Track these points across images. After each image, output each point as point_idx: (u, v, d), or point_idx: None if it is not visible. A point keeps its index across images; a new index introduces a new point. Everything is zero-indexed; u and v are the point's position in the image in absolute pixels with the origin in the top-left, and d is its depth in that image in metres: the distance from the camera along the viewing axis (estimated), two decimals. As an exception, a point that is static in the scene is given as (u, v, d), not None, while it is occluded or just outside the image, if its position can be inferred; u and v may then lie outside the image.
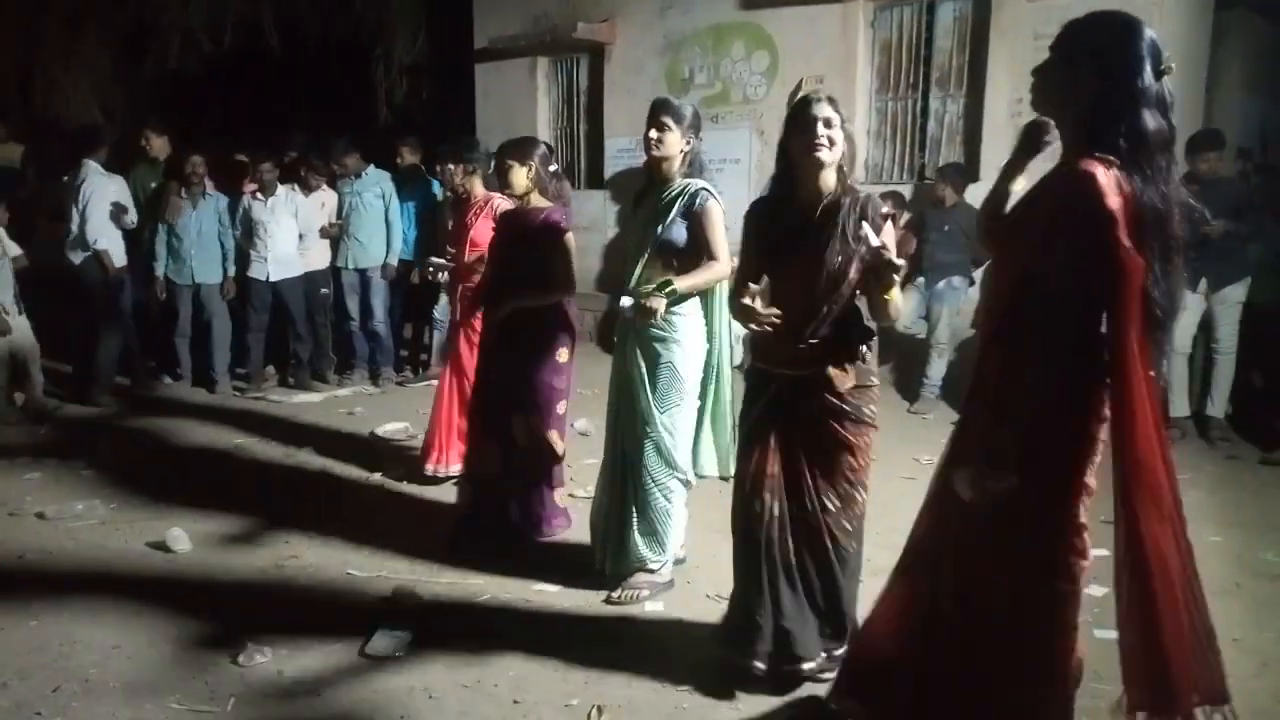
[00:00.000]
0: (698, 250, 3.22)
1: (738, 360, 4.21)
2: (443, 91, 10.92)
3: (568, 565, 3.59)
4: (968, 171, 6.53)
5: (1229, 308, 5.40)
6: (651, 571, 3.35)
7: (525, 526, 3.79)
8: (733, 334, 3.54)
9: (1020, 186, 2.21)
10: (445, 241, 5.36)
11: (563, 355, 3.75)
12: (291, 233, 6.62)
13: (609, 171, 8.52)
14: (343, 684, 2.83)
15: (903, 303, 2.59)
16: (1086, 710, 2.30)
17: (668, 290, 3.07)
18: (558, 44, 8.57)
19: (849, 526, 2.69)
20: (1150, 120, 1.90)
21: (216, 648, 3.01)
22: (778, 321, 2.52)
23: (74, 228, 6.11)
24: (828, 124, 2.55)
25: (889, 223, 2.59)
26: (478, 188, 4.68)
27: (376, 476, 4.80)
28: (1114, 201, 1.85)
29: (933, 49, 7.03)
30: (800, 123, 2.58)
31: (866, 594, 2.61)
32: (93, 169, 6.17)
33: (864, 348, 2.65)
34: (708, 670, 2.81)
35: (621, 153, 8.33)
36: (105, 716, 2.66)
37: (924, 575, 2.25)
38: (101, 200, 6.13)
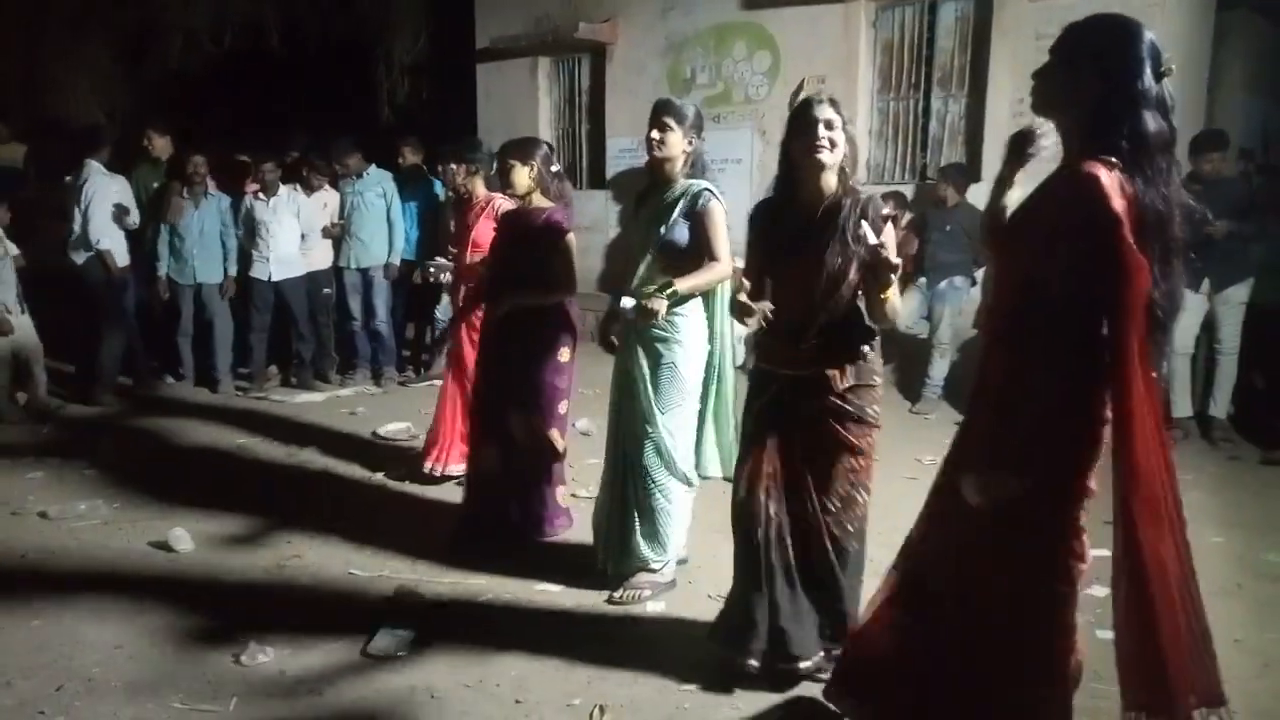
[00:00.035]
0: (699, 251, 3.22)
1: (739, 360, 4.21)
2: (444, 91, 10.93)
3: (570, 565, 3.59)
4: (969, 171, 6.53)
5: (1232, 308, 5.40)
6: (653, 571, 3.35)
7: (527, 526, 3.79)
8: (735, 334, 3.55)
9: (1017, 195, 2.21)
10: (447, 242, 5.37)
11: (564, 355, 3.75)
12: (294, 233, 6.63)
13: (610, 171, 8.53)
14: (345, 683, 2.83)
15: (900, 304, 2.60)
16: (1087, 710, 2.31)
17: (669, 292, 3.07)
18: (559, 44, 8.58)
19: (850, 527, 2.69)
20: (1151, 122, 1.90)
21: (219, 647, 3.02)
22: (770, 316, 2.54)
23: (76, 228, 6.12)
24: (829, 126, 2.56)
25: (889, 224, 2.60)
26: (479, 188, 4.68)
27: (378, 476, 4.81)
28: (1118, 203, 1.85)
29: (934, 49, 7.03)
30: (801, 124, 2.59)
31: (869, 594, 2.61)
32: (95, 169, 6.18)
33: (866, 347, 2.65)
34: (709, 670, 2.82)
35: (623, 153, 8.34)
36: (108, 715, 2.66)
37: (923, 575, 2.26)
38: (104, 200, 6.14)
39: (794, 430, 2.68)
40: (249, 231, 6.58)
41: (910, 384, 6.42)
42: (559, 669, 2.90)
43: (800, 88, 7.27)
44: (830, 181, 2.63)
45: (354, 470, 4.92)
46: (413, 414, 5.75)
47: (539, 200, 3.74)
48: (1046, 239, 1.96)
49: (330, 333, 7.03)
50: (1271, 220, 5.39)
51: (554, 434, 3.76)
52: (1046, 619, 2.06)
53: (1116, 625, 1.95)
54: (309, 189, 6.76)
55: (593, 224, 8.35)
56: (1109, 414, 1.95)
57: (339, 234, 6.80)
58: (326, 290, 6.92)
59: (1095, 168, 1.89)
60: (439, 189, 6.90)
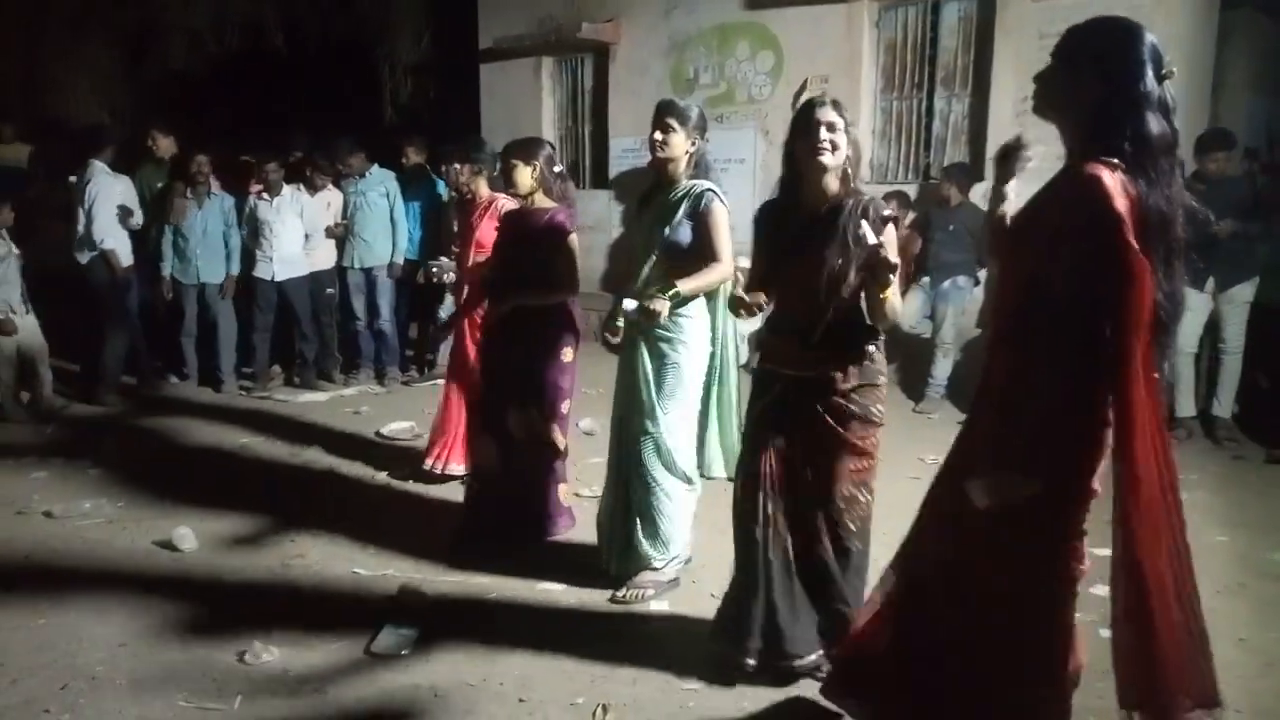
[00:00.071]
0: (702, 252, 3.22)
1: (743, 359, 4.22)
2: (447, 91, 10.94)
3: (573, 564, 3.59)
4: (973, 171, 6.53)
5: (1236, 307, 5.39)
6: (656, 570, 3.36)
7: (529, 526, 3.79)
8: (738, 334, 3.55)
9: (1012, 202, 2.22)
10: (450, 242, 5.38)
11: (567, 355, 3.76)
12: (297, 232, 6.64)
13: (613, 171, 8.54)
14: (348, 682, 2.84)
15: (900, 305, 2.61)
16: (1092, 710, 2.31)
17: (671, 293, 3.08)
18: (562, 44, 8.59)
19: (854, 526, 2.70)
20: (1153, 124, 1.91)
21: (223, 645, 3.03)
22: (762, 308, 2.59)
23: (80, 228, 6.13)
24: (831, 128, 2.57)
25: (890, 225, 2.61)
26: (483, 188, 4.69)
27: (382, 476, 4.81)
28: (1121, 204, 1.86)
29: (938, 48, 7.03)
30: (804, 126, 2.61)
31: (869, 593, 2.62)
32: (99, 169, 6.20)
33: (871, 347, 2.66)
34: (712, 668, 2.82)
35: (626, 153, 8.34)
36: (112, 713, 2.67)
37: (923, 575, 2.26)
38: (108, 200, 6.15)
39: (797, 430, 2.68)
40: (252, 231, 6.59)
41: (913, 383, 6.42)
42: (562, 668, 2.90)
43: (803, 87, 7.27)
44: (832, 183, 2.64)
45: (357, 470, 4.92)
46: (416, 413, 5.76)
47: (542, 200, 3.74)
48: (1050, 240, 1.96)
49: (334, 332, 7.04)
50: (1276, 219, 5.38)
51: (555, 433, 3.76)
52: (1046, 619, 2.06)
53: (1113, 625, 1.96)
54: (312, 189, 6.76)
55: (596, 224, 8.36)
56: (1112, 415, 1.95)
57: (342, 234, 6.81)
58: (330, 290, 6.93)
59: (1098, 169, 1.89)
60: (442, 189, 6.91)
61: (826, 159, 2.58)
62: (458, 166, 5.07)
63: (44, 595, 3.39)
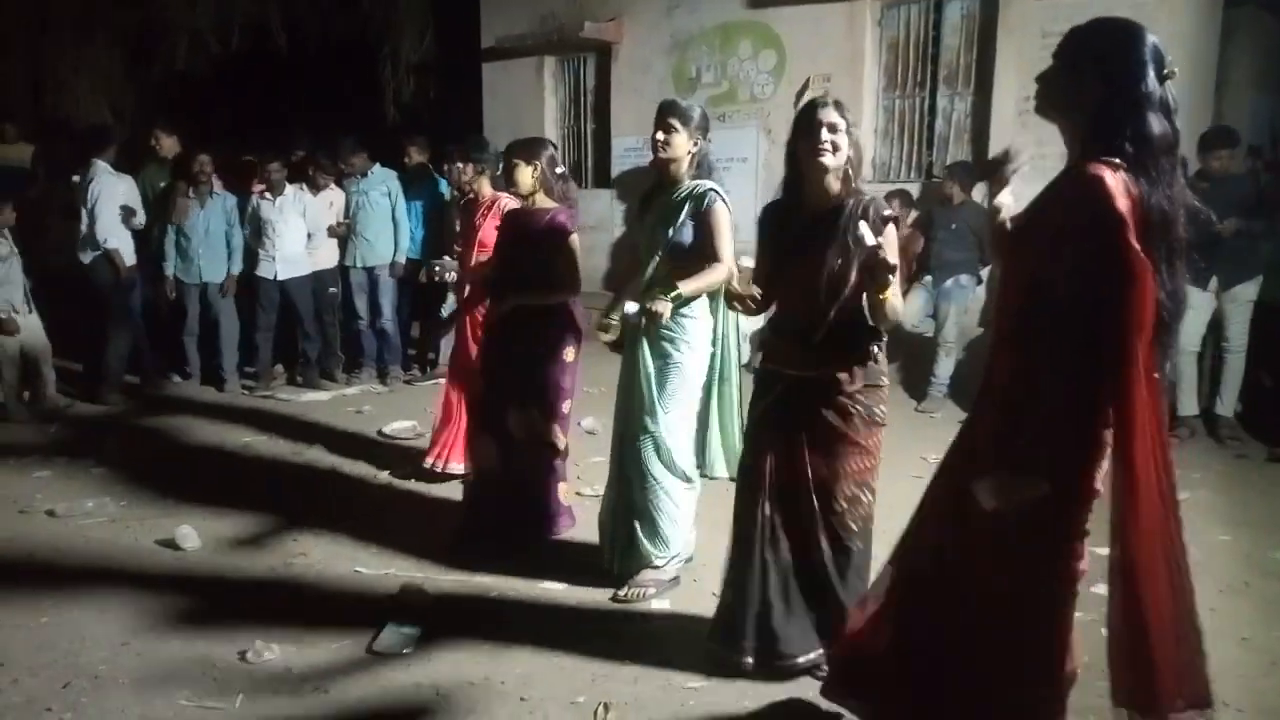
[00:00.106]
0: (703, 251, 3.22)
1: (745, 359, 4.22)
2: (449, 91, 10.95)
3: (574, 563, 3.60)
4: (975, 169, 6.51)
5: (1240, 306, 5.38)
6: (657, 568, 3.36)
7: (530, 526, 3.79)
8: (740, 333, 3.55)
9: (1011, 203, 2.23)
10: (452, 241, 5.37)
11: (569, 354, 3.76)
12: (299, 232, 6.64)
13: (616, 171, 8.53)
14: (350, 681, 2.84)
15: (901, 305, 2.61)
16: (1092, 709, 2.30)
17: (673, 294, 3.08)
18: (565, 43, 8.58)
19: (855, 526, 2.70)
20: (1155, 124, 1.91)
21: (225, 644, 3.03)
22: (755, 303, 2.63)
23: (83, 227, 6.14)
24: (832, 129, 2.58)
25: (891, 225, 2.61)
26: (485, 187, 4.69)
27: (384, 475, 4.82)
28: (1123, 204, 1.86)
29: (940, 47, 7.02)
30: (805, 127, 2.62)
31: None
32: (102, 168, 6.20)
33: (874, 347, 2.66)
34: (713, 667, 2.82)
35: (628, 152, 8.34)
36: (115, 712, 2.68)
37: (923, 574, 2.25)
38: (110, 199, 6.16)
39: (799, 430, 2.68)
40: (255, 231, 6.60)
41: (916, 383, 6.41)
42: (564, 666, 2.91)
43: (805, 86, 7.27)
44: (834, 183, 2.65)
45: (360, 469, 4.93)
46: (418, 413, 5.76)
47: (543, 200, 3.74)
48: (1052, 240, 1.96)
49: (336, 331, 7.05)
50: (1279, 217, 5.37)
51: (556, 432, 3.76)
52: (1046, 619, 2.06)
53: (1109, 624, 1.97)
54: (315, 188, 6.77)
55: (598, 223, 8.36)
56: (1112, 415, 1.95)
57: (345, 233, 6.82)
58: (332, 289, 6.93)
59: (1100, 169, 1.89)
60: (444, 188, 6.91)
61: (828, 159, 2.59)
62: (460, 166, 5.07)
63: (46, 594, 3.40)
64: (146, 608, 3.30)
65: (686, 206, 3.24)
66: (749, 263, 2.91)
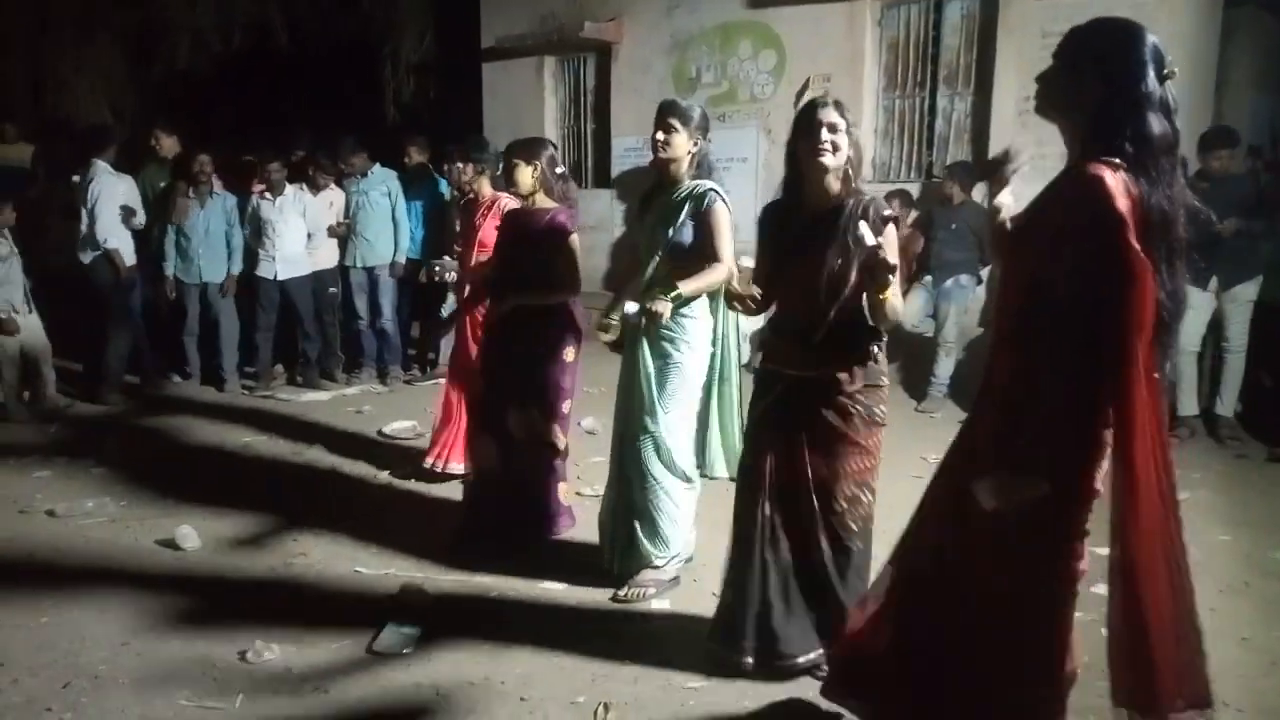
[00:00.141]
0: (703, 251, 3.22)
1: (746, 359, 4.22)
2: (450, 91, 10.95)
3: (574, 563, 3.60)
4: (975, 169, 6.51)
5: (1240, 306, 5.38)
6: (657, 568, 3.36)
7: (530, 526, 3.79)
8: (740, 333, 3.55)
9: (1010, 203, 2.24)
10: (453, 241, 5.37)
11: (569, 354, 3.76)
12: (300, 232, 6.64)
13: (616, 170, 8.53)
14: (350, 681, 2.84)
15: (901, 305, 2.61)
16: (1092, 709, 2.30)
17: (673, 295, 3.08)
18: (565, 43, 8.58)
19: (855, 526, 2.70)
20: (1155, 124, 1.91)
21: (225, 644, 3.03)
22: (755, 303, 2.64)
23: (83, 227, 6.14)
24: (832, 129, 2.59)
25: (890, 225, 2.61)
26: (485, 187, 4.69)
27: (384, 475, 4.82)
28: (1123, 204, 1.86)
29: (940, 47, 7.02)
30: (805, 127, 2.63)
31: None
32: (102, 168, 6.20)
33: (874, 348, 2.66)
34: (714, 667, 2.82)
35: (628, 152, 8.34)
36: (115, 712, 2.68)
37: (923, 574, 2.25)
38: (110, 199, 6.16)
39: (799, 430, 2.68)
40: (255, 231, 6.60)
41: (916, 383, 6.41)
42: (564, 666, 2.91)
43: (805, 86, 7.27)
44: (834, 183, 2.65)
45: (360, 469, 4.93)
46: (418, 413, 5.76)
47: (543, 200, 3.74)
48: (1052, 240, 1.96)
49: (336, 331, 7.05)
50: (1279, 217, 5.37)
51: (555, 433, 3.76)
52: (1047, 619, 2.06)
53: (1109, 624, 1.97)
54: (315, 188, 6.77)
55: (598, 223, 8.36)
56: (1112, 415, 1.95)
57: (345, 233, 6.82)
58: (332, 289, 6.93)
59: (1100, 169, 1.90)
60: (444, 188, 6.91)
61: (827, 160, 2.59)
62: (460, 165, 5.07)
63: (46, 594, 3.40)
64: (146, 608, 3.30)
65: (686, 206, 3.24)
66: (749, 262, 2.92)
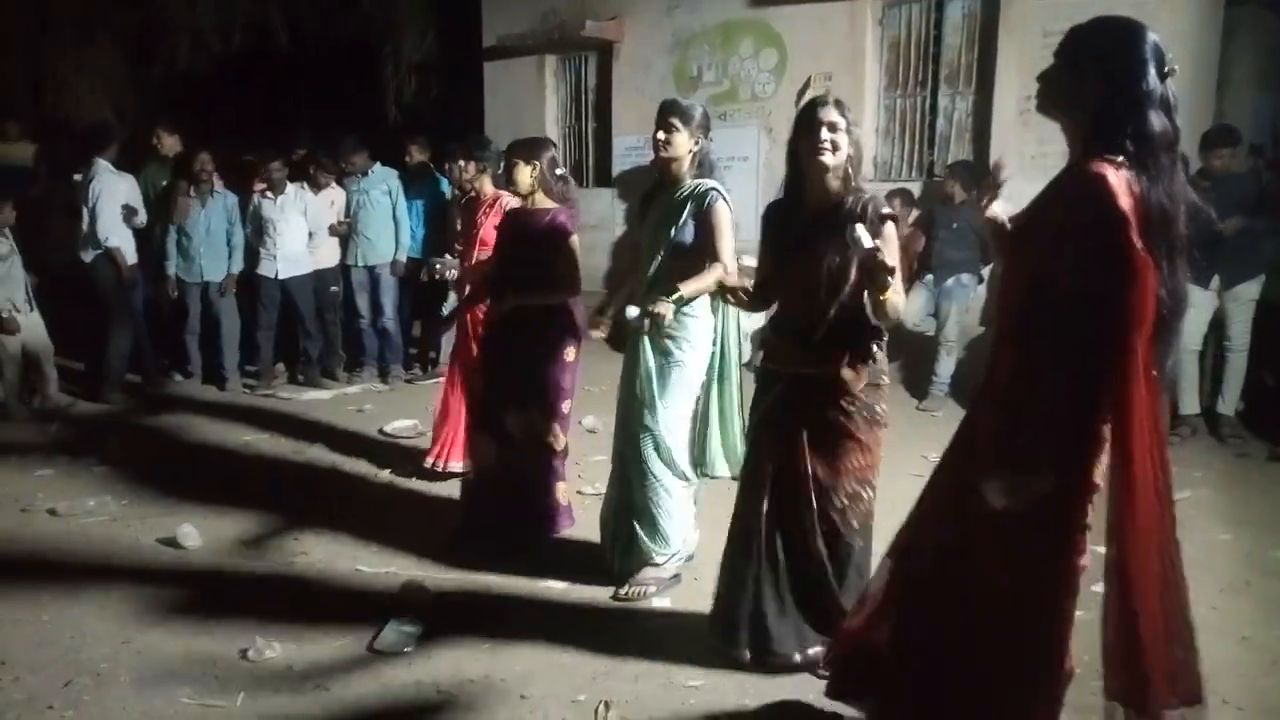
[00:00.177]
0: (703, 250, 3.22)
1: (746, 358, 4.22)
2: (450, 90, 10.95)
3: (575, 562, 3.60)
4: (977, 169, 6.51)
5: (1242, 305, 5.37)
6: (657, 566, 3.36)
7: (530, 525, 3.79)
8: (741, 333, 3.55)
9: (1000, 209, 2.25)
10: (453, 239, 5.37)
11: (569, 354, 3.76)
12: (301, 231, 6.64)
13: (617, 169, 8.53)
14: (351, 679, 2.84)
15: (903, 303, 2.61)
16: (1091, 708, 2.30)
17: (675, 297, 3.08)
18: (566, 42, 8.57)
19: (856, 524, 2.71)
20: (1156, 121, 1.92)
21: (226, 642, 3.03)
22: (747, 295, 2.69)
23: (84, 226, 6.14)
24: (832, 128, 2.60)
25: (890, 224, 2.61)
26: (487, 186, 4.69)
27: (385, 474, 4.82)
28: (1125, 202, 1.87)
29: (941, 46, 7.01)
30: (805, 126, 2.64)
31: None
32: (103, 167, 6.20)
33: (874, 346, 2.66)
34: (714, 666, 2.83)
35: (629, 151, 8.33)
36: (116, 710, 2.68)
37: (923, 573, 2.25)
38: (112, 198, 6.16)
39: (800, 428, 2.69)
40: (257, 229, 6.60)
41: (917, 381, 6.41)
42: (565, 665, 2.91)
43: (807, 85, 7.26)
44: (834, 182, 2.66)
45: (361, 467, 4.93)
46: (419, 411, 5.76)
47: (542, 200, 3.74)
48: (1054, 238, 1.97)
49: (337, 330, 7.05)
50: (1282, 217, 5.36)
51: (555, 432, 3.76)
52: (1048, 617, 2.06)
53: (1104, 620, 1.98)
54: (316, 187, 6.77)
55: (599, 222, 8.35)
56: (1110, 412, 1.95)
57: (346, 232, 6.82)
58: (334, 288, 6.94)
59: (1103, 167, 1.90)
60: (445, 187, 6.91)
61: (827, 158, 2.60)
62: (462, 164, 5.08)
63: (48, 592, 3.41)
64: (148, 606, 3.31)
65: (688, 206, 3.25)
66: (750, 262, 2.93)
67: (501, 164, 4.17)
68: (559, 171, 3.80)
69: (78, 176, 6.33)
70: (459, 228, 5.11)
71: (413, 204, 6.94)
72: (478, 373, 4.06)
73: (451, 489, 4.46)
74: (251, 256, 6.64)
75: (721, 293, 2.75)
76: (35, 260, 6.04)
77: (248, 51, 10.71)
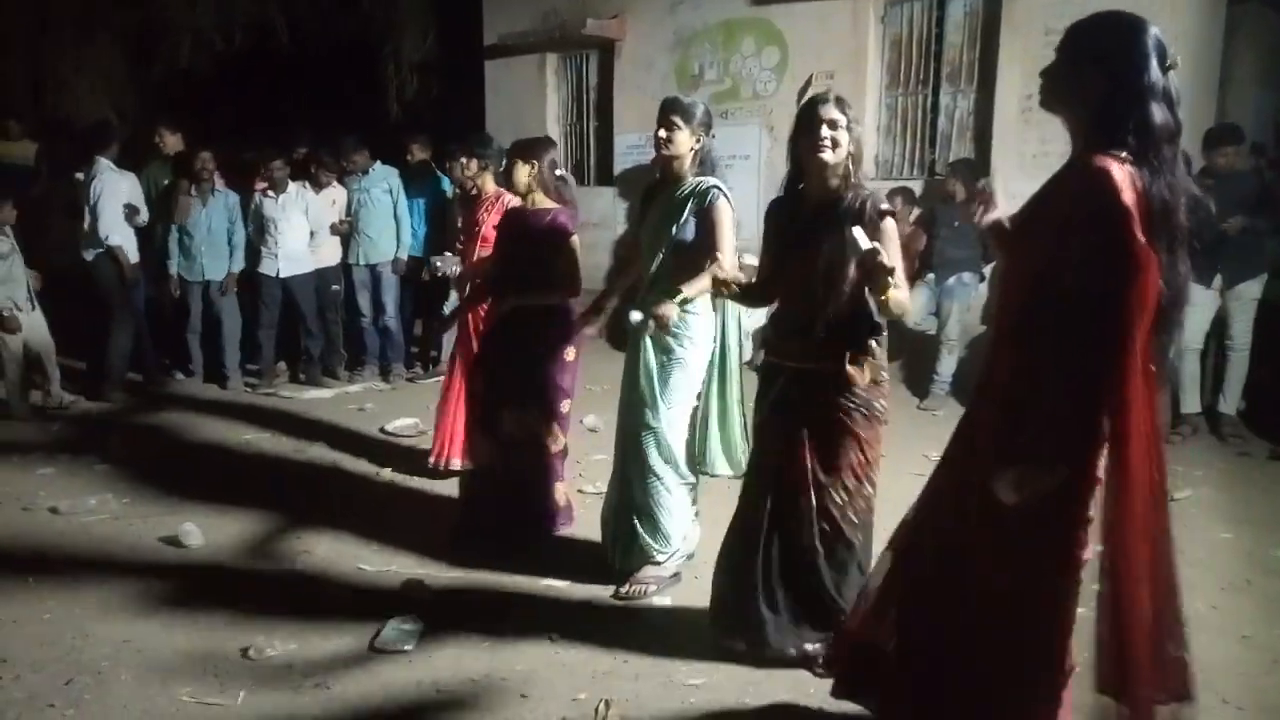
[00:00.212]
0: (705, 248, 3.22)
1: (747, 356, 4.22)
2: (452, 89, 10.94)
3: (575, 561, 3.60)
4: (978, 167, 6.50)
5: (1244, 304, 5.37)
6: (657, 564, 3.36)
7: (529, 525, 3.80)
8: (742, 331, 3.55)
9: (996, 216, 2.25)
10: (455, 238, 5.37)
11: (569, 354, 3.76)
12: (302, 229, 6.65)
13: (618, 168, 8.52)
14: (352, 677, 2.84)
15: (907, 299, 2.59)
16: (1090, 706, 2.30)
17: (678, 299, 3.08)
18: (567, 40, 8.57)
19: (855, 520, 2.72)
20: (1157, 114, 1.92)
21: (227, 641, 3.04)
22: (740, 284, 2.72)
23: (86, 225, 6.15)
24: (832, 125, 2.60)
25: (889, 220, 2.61)
26: (488, 184, 4.69)
27: (386, 472, 4.82)
28: (1129, 197, 1.87)
29: (943, 44, 7.00)
30: (806, 123, 2.65)
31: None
32: (104, 166, 6.20)
33: (873, 342, 2.66)
34: (715, 665, 2.83)
35: (631, 149, 8.33)
36: (117, 708, 2.68)
37: (923, 571, 2.25)
38: (113, 197, 6.16)
39: (800, 423, 2.70)
40: (258, 228, 6.61)
41: (918, 380, 6.41)
42: (565, 663, 2.91)
43: (808, 83, 7.25)
44: (834, 179, 2.67)
45: (362, 466, 4.93)
46: (421, 410, 5.76)
47: (541, 200, 3.74)
48: (1058, 232, 1.96)
49: (339, 329, 7.06)
50: (1284, 215, 5.35)
51: (555, 432, 3.76)
52: (1049, 616, 2.06)
53: (1097, 615, 1.98)
54: (317, 186, 6.78)
55: (600, 221, 8.35)
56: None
57: (347, 231, 6.83)
58: (335, 287, 6.94)
59: (1106, 161, 1.90)
60: (446, 185, 6.92)
61: (827, 156, 2.61)
62: (464, 162, 5.08)
63: (49, 591, 3.41)
64: (149, 604, 3.31)
65: (689, 204, 3.25)
66: (751, 260, 2.93)
67: (503, 162, 4.17)
68: (558, 172, 3.80)
69: (79, 175, 6.34)
70: (460, 225, 5.11)
71: (414, 202, 6.94)
72: (478, 372, 4.06)
73: (452, 488, 4.45)
74: (253, 255, 6.65)
75: (715, 286, 2.75)
76: (37, 259, 6.03)
77: (248, 51, 10.71)
